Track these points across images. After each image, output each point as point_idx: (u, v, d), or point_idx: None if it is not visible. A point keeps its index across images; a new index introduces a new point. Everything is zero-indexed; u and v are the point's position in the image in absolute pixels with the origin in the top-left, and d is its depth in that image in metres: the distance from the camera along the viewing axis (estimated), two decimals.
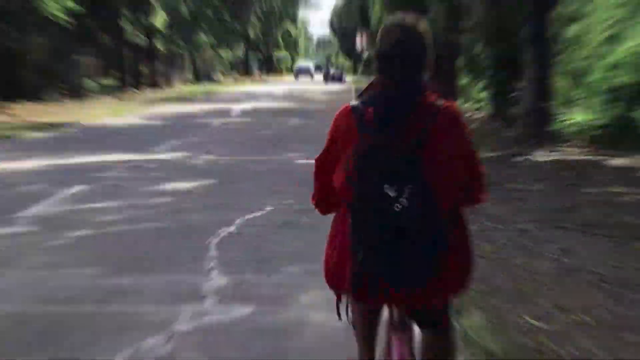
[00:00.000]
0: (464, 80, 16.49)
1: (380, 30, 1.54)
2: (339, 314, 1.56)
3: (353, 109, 1.47)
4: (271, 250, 3.83)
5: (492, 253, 3.76)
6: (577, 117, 9.73)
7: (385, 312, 1.64)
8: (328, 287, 1.57)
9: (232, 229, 4.31)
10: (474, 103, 17.08)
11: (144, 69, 31.56)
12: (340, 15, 49.86)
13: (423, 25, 1.49)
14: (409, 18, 1.50)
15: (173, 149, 8.60)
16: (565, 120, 9.63)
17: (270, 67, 54.38)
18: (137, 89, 28.15)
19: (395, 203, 1.32)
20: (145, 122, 13.23)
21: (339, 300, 1.56)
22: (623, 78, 8.46)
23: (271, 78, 46.74)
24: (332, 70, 42.80)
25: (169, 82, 33.99)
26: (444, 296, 1.52)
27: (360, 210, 1.38)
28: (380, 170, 1.35)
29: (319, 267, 1.60)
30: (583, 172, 6.50)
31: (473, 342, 2.46)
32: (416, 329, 1.66)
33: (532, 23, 9.01)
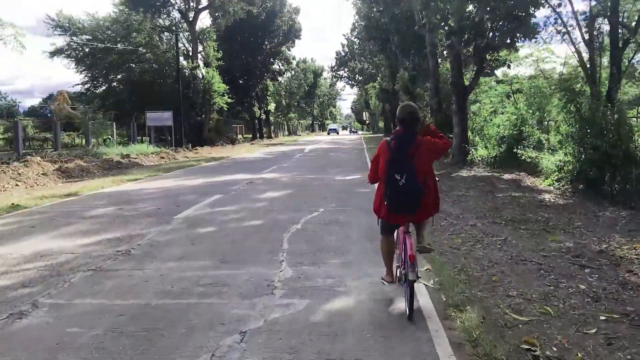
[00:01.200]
0: None
1: (399, 108, 4.03)
2: (378, 224, 4.24)
3: (386, 141, 3.98)
4: (322, 243, 6.26)
5: (461, 245, 5.97)
6: (480, 152, 16.97)
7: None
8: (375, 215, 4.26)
9: (299, 226, 7.23)
10: None
11: (265, 129, 51.17)
12: (356, 103, 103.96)
13: (416, 106, 4.03)
14: (412, 103, 4.11)
15: (272, 171, 15.66)
16: (474, 154, 16.91)
17: (324, 127, 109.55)
18: (261, 139, 46.78)
19: (400, 181, 3.76)
20: (262, 155, 26.11)
21: (378, 220, 4.19)
22: (505, 132, 16.49)
23: (324, 132, 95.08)
24: (351, 129, 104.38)
25: (276, 135, 55.66)
26: (426, 216, 4.08)
27: (387, 184, 3.85)
28: (394, 168, 3.80)
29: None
30: (491, 183, 11.91)
31: (478, 344, 3.40)
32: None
33: (456, 103, 17.09)
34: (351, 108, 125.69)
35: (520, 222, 7.53)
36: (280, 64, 49.68)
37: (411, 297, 3.76)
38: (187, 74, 33.33)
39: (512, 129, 16.22)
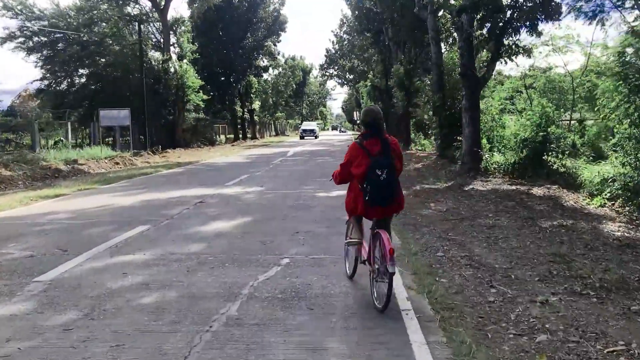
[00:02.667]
0: (413, 134, 26.47)
1: (363, 112, 4.43)
2: (347, 224, 4.79)
3: (357, 142, 4.30)
4: None
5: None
6: (495, 158, 14.27)
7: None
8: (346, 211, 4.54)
9: (232, 310, 3.98)
10: (418, 146, 27.67)
11: (249, 129, 47.78)
12: (346, 102, 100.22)
13: (379, 109, 4.44)
14: (375, 107, 4.51)
15: (239, 183, 13.58)
16: (488, 160, 14.09)
17: None
18: (244, 140, 43.32)
19: (381, 176, 4.04)
20: (238, 160, 22.34)
21: (350, 217, 4.61)
22: (526, 134, 13.12)
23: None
24: (340, 128, 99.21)
25: (262, 136, 52.14)
26: (397, 209, 4.34)
27: (369, 180, 4.06)
28: (377, 165, 4.05)
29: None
30: (522, 202, 9.19)
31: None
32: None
33: (467, 98, 13.91)
34: (342, 108, 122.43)
35: (620, 291, 4.49)
36: (265, 60, 46.17)
37: (390, 289, 3.91)
38: (156, 68, 29.83)
39: (535, 131, 13.06)
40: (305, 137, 50.76)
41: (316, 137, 52.47)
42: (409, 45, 28.94)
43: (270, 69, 65.19)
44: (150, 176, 15.49)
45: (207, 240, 6.54)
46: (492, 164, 14.28)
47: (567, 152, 11.93)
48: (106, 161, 19.19)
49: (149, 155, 23.34)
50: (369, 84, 47.25)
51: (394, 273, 3.85)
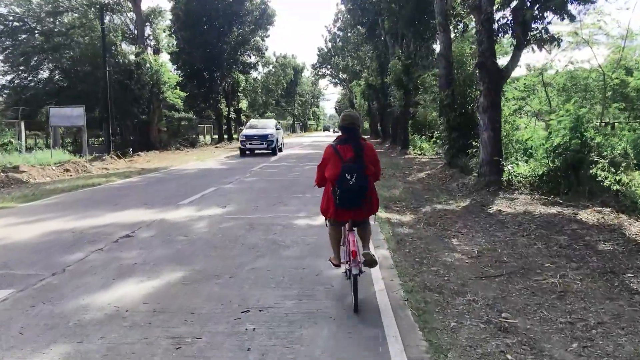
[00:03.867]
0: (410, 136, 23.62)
1: (341, 115, 4.52)
2: (326, 225, 4.70)
3: (332, 146, 4.38)
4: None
5: None
6: (520, 169, 11.43)
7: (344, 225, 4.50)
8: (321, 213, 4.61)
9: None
10: (417, 150, 25.17)
11: (236, 131, 45.10)
12: (340, 103, 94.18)
13: (357, 114, 4.60)
14: (352, 112, 4.61)
15: (198, 201, 12.26)
16: (512, 172, 11.19)
17: (306, 128, 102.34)
18: (230, 141, 40.44)
19: (350, 180, 4.13)
20: (212, 166, 19.01)
21: (326, 220, 4.64)
22: (559, 140, 10.31)
23: (305, 134, 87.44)
24: (334, 129, 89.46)
25: None
26: (367, 215, 4.48)
27: (339, 184, 4.15)
28: (346, 170, 4.15)
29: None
30: (575, 234, 6.85)
31: None
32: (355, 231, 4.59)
33: (486, 94, 11.12)
34: (335, 108, 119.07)
35: None
36: (252, 56, 43.21)
37: (355, 289, 4.08)
38: (128, 62, 26.84)
39: (569, 136, 10.33)
40: (255, 151, 25.22)
41: (274, 150, 24.91)
42: (407, 38, 26.22)
43: (260, 67, 62.80)
44: (94, 189, 12.56)
45: (79, 336, 3.66)
46: (516, 176, 11.55)
47: (621, 164, 9.16)
48: (54, 168, 16.22)
49: (113, 160, 20.38)
50: (363, 82, 44.55)
51: (357, 275, 4.07)
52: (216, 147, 36.06)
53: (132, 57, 26.67)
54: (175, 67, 39.42)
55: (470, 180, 12.15)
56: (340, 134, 4.50)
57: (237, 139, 46.46)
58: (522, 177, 11.44)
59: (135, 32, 28.90)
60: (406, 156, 23.84)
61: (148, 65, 27.34)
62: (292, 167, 18.41)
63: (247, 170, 17.09)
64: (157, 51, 29.02)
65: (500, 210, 9.15)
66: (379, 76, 37.50)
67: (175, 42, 30.76)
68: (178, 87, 28.59)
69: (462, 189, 11.98)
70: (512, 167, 11.69)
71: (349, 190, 4.15)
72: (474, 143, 13.75)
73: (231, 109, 44.19)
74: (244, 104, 46.36)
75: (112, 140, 22.13)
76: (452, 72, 14.87)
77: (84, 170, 16.71)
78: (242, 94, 46.13)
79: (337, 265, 4.70)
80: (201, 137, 44.38)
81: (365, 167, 4.21)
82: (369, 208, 4.40)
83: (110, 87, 25.79)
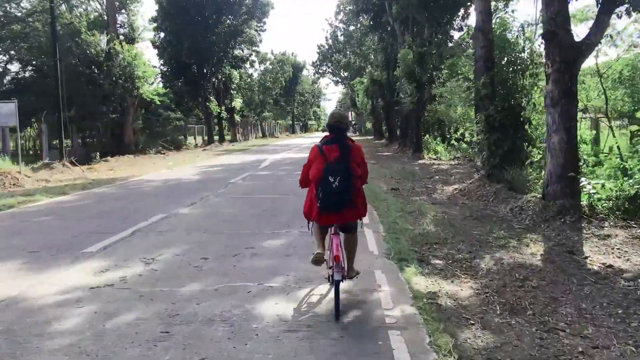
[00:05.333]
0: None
1: (329, 115, 4.42)
2: (309, 229, 4.44)
3: (317, 146, 4.22)
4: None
5: None
6: (606, 190, 7.85)
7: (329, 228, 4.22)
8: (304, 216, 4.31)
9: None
10: (431, 154, 21.48)
11: (229, 131, 41.38)
12: (341, 102, 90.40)
13: (345, 113, 4.77)
14: (341, 110, 6.16)
15: (117, 245, 8.14)
16: (592, 192, 7.75)
17: (306, 129, 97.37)
18: (221, 144, 36.80)
19: (334, 183, 3.93)
20: (184, 177, 14.87)
21: (309, 223, 4.38)
22: None
23: (306, 134, 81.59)
24: None
25: (246, 137, 45.68)
26: (353, 218, 4.17)
27: (321, 186, 3.99)
28: (329, 172, 3.97)
29: None
30: None
31: None
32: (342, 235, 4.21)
33: (557, 82, 7.77)
34: (336, 108, 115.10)
35: None
36: (244, 49, 39.42)
37: (336, 296, 3.82)
38: (96, 52, 23.14)
39: None
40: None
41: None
42: (420, 25, 22.54)
43: (257, 63, 58.96)
44: None
45: None
46: (598, 198, 7.87)
47: None
48: None
49: (66, 168, 16.69)
50: (367, 79, 40.78)
51: (339, 281, 3.84)
52: (204, 149, 32.34)
53: (99, 46, 22.96)
54: (161, 62, 35.86)
55: (530, 204, 8.45)
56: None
57: (230, 141, 43.22)
58: (606, 200, 7.83)
59: (106, 18, 25.17)
60: (420, 161, 20.14)
61: (121, 56, 23.65)
62: (282, 177, 14.69)
63: (224, 182, 13.38)
64: (131, 40, 25.34)
65: (605, 264, 5.67)
66: (384, 70, 33.77)
67: (153, 28, 27.10)
68: (161, 82, 24.90)
69: (519, 215, 8.32)
70: (591, 186, 7.98)
71: (331, 193, 3.95)
72: (527, 148, 10.11)
73: (223, 107, 40.50)
74: (237, 103, 42.62)
75: (62, 144, 18.35)
76: (492, 52, 11.13)
77: (14, 184, 13.01)
78: (235, 92, 42.41)
79: (321, 259, 4.07)
80: (192, 138, 40.70)
81: (351, 169, 4.02)
82: (354, 211, 4.14)
83: (74, 80, 22.19)
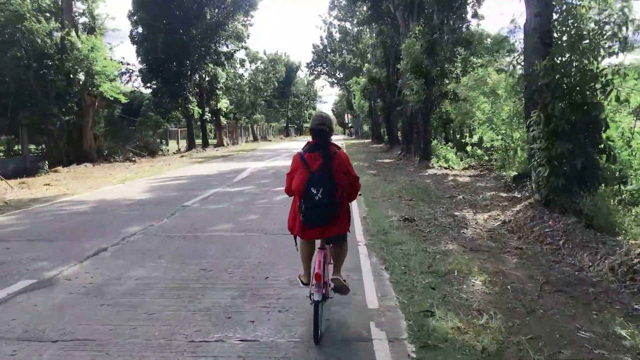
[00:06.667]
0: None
1: (312, 117, 3.85)
2: (296, 244, 3.95)
3: (300, 154, 3.74)
4: None
5: None
6: None
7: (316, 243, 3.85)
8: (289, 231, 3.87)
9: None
10: (441, 162, 18.05)
11: (216, 135, 37.86)
12: (337, 104, 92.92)
13: (329, 115, 3.89)
14: (324, 112, 3.93)
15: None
16: None
17: (301, 132, 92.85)
18: (204, 148, 33.30)
19: (316, 195, 3.53)
20: (133, 195, 11.49)
21: (294, 238, 3.92)
22: None
23: (300, 137, 76.49)
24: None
25: (235, 141, 42.86)
26: (339, 232, 3.76)
27: (303, 199, 3.57)
28: (311, 182, 3.54)
29: None
30: None
31: None
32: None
33: None
34: (332, 110, 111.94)
35: None
36: (230, 43, 35.73)
37: (315, 317, 3.50)
38: (47, 44, 19.58)
39: None
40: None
41: None
42: (427, 11, 19.15)
43: (248, 63, 55.53)
44: None
45: None
46: None
47: None
48: None
49: None
50: (364, 77, 37.31)
51: (319, 302, 3.52)
52: (182, 156, 28.77)
53: (48, 36, 19.38)
54: (139, 59, 32.31)
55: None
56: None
57: (215, 146, 39.40)
58: None
59: (60, 4, 21.54)
60: (429, 171, 16.73)
61: (79, 47, 20.09)
62: (255, 197, 11.17)
63: (175, 205, 9.87)
64: (91, 30, 21.80)
65: None
66: (384, 67, 30.40)
67: (133, 22, 23.60)
68: (116, 79, 21.37)
69: (631, 283, 4.85)
70: None
71: (314, 207, 3.58)
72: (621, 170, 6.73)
73: (207, 109, 36.93)
74: (223, 104, 39.02)
75: (20, 152, 14.83)
76: (550, 26, 7.67)
77: None
78: (222, 92, 38.85)
79: (307, 284, 3.93)
80: (174, 143, 37.01)
81: (334, 179, 3.61)
82: (339, 225, 3.77)
83: (21, 77, 18.68)
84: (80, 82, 20.73)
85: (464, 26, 17.59)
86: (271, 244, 6.59)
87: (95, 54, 20.08)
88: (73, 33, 20.38)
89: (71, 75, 20.71)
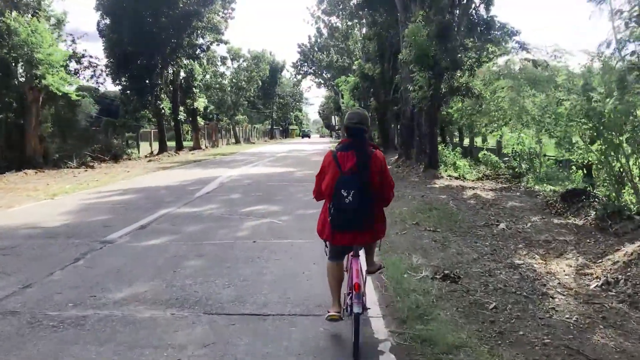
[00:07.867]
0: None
1: (347, 114, 3.54)
2: (325, 253, 3.65)
3: (332, 152, 3.48)
4: None
5: None
6: None
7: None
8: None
9: None
10: (450, 171, 15.37)
11: (192, 136, 35.08)
12: (323, 106, 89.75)
13: (366, 113, 3.62)
14: (361, 109, 3.69)
15: None
16: None
17: (287, 134, 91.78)
18: (179, 151, 30.18)
19: (346, 198, 3.26)
20: (44, 220, 8.28)
21: (325, 242, 3.62)
22: None
23: (285, 140, 73.48)
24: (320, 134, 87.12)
25: (216, 144, 43.39)
26: (373, 239, 3.60)
27: (334, 201, 3.33)
28: (342, 184, 3.30)
29: None
30: None
31: None
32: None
33: None
34: (319, 112, 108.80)
35: None
36: (206, 35, 32.33)
37: (356, 332, 3.19)
38: None
39: None
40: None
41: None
42: None
43: (229, 61, 52.16)
44: None
45: None
46: None
47: None
48: None
49: None
50: (355, 75, 34.24)
51: (359, 313, 3.20)
52: (150, 160, 25.38)
53: None
54: (106, 54, 28.86)
55: None
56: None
57: (191, 149, 35.87)
58: None
59: None
60: (438, 182, 13.78)
61: (19, 32, 16.68)
62: (217, 223, 7.95)
63: (96, 238, 6.64)
64: (35, 14, 18.40)
65: None
66: (378, 63, 27.41)
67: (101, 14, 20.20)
68: (106, 77, 18.07)
69: None
70: None
71: (344, 210, 3.32)
72: None
73: (183, 108, 33.56)
74: (201, 103, 35.64)
75: None
76: None
77: None
78: (199, 90, 35.51)
79: (338, 318, 3.47)
80: (147, 145, 33.38)
81: (370, 182, 3.35)
82: (371, 232, 3.52)
83: None
84: (20, 74, 17.32)
85: (481, 5, 14.58)
86: (216, 336, 3.41)
87: (37, 38, 16.68)
88: (11, 14, 16.96)
89: (10, 66, 17.28)
